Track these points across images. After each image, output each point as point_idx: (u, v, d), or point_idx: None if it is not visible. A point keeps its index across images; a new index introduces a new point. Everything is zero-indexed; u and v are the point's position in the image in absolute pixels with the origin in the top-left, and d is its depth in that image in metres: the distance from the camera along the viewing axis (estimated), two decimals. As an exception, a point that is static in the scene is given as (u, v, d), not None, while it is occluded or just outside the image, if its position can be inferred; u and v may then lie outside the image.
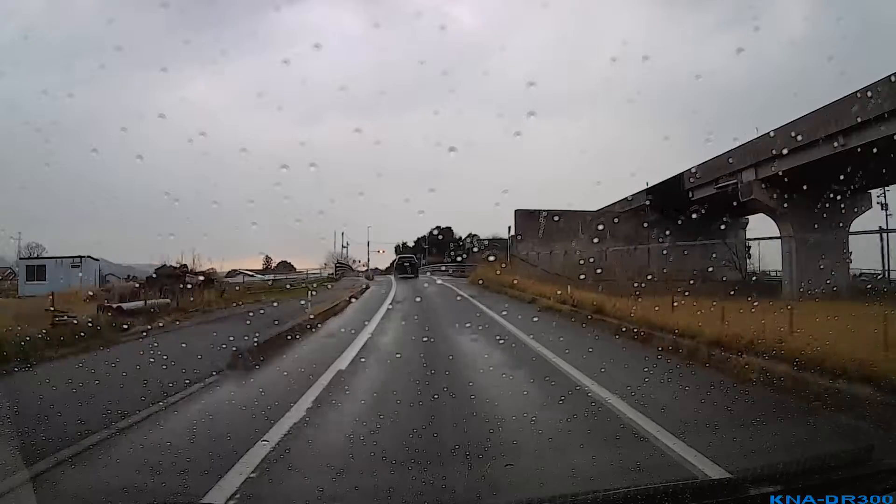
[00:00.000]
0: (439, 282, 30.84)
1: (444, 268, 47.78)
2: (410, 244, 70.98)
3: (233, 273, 30.77)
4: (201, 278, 17.62)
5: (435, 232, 70.86)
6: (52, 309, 10.11)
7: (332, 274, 39.46)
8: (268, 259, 61.71)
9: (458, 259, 56.72)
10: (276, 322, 10.96)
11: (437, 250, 63.66)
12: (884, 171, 15.50)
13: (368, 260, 60.98)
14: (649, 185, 25.32)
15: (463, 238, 65.50)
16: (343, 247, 53.55)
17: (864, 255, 20.01)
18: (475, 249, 45.07)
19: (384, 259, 56.38)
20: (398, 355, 8.57)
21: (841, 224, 18.30)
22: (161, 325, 11.68)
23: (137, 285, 17.37)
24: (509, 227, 27.29)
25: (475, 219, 79.37)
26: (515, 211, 26.63)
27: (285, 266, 53.24)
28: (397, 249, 67.56)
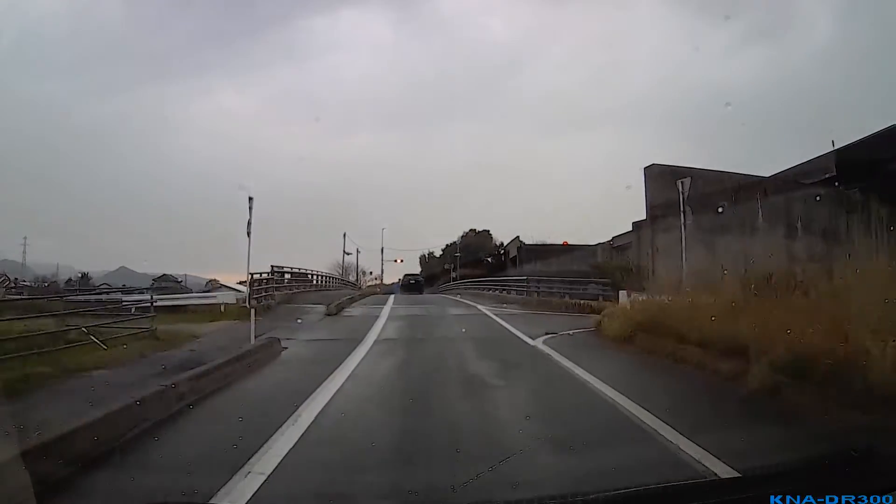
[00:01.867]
0: (500, 324, 13.32)
1: (485, 285, 30.80)
2: (437, 253, 60.80)
3: None
4: None
5: (468, 236, 57.34)
6: None
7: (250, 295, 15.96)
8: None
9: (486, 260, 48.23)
10: None
11: (472, 259, 52.13)
12: None
13: (382, 271, 50.32)
14: (837, 146, 15.64)
15: (504, 244, 53.73)
16: (347, 253, 43.80)
17: None
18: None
19: (403, 270, 48.49)
20: None
21: None
22: None
23: None
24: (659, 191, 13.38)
25: (514, 226, 69.09)
26: (647, 169, 14.42)
27: (298, 276, 43.95)
28: (422, 260, 60.72)
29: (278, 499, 3.29)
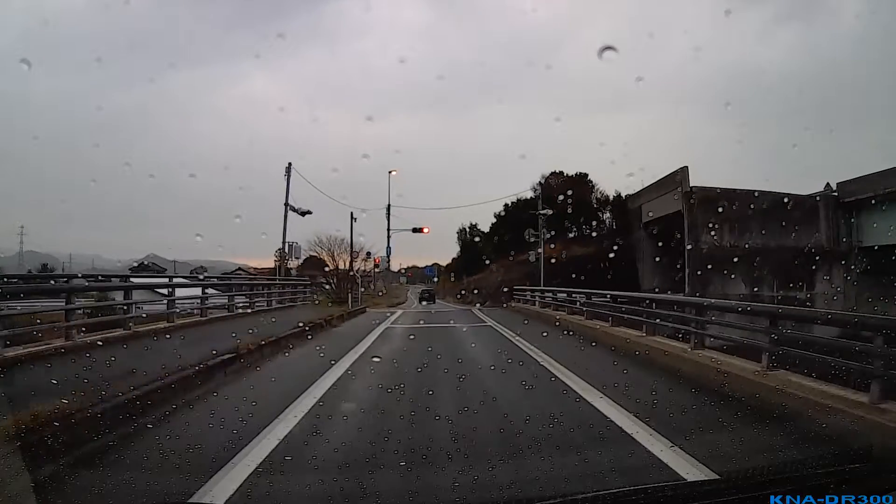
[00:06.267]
0: None
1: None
2: (484, 227, 42.45)
3: None
4: None
5: (550, 184, 34.31)
6: None
7: None
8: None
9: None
10: None
11: (556, 226, 31.34)
12: None
13: (389, 249, 32.61)
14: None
15: (623, 196, 30.58)
16: (297, 210, 25.70)
17: None
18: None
19: (431, 247, 32.86)
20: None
21: None
22: None
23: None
24: None
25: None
26: None
27: (312, 265, 32.18)
28: (460, 236, 46.22)
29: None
